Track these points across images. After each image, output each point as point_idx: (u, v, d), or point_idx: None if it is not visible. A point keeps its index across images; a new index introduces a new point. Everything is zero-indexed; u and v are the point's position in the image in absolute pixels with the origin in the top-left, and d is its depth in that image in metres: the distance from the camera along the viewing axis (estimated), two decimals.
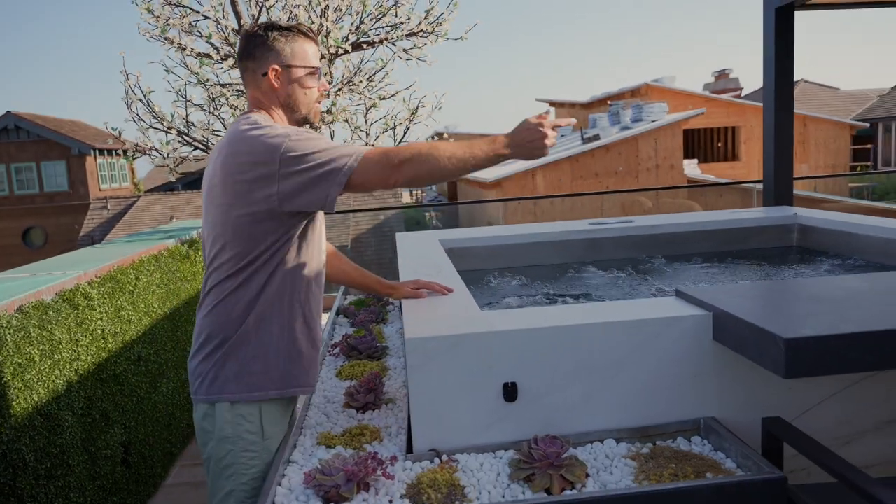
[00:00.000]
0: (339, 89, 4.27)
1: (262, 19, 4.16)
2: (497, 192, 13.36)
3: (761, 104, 4.25)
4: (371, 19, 4.25)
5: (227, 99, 4.21)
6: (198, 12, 4.10)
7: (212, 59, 4.04)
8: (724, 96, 21.54)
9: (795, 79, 4.14)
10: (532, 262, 3.56)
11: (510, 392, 1.69)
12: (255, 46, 1.74)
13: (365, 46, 4.32)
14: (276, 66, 1.73)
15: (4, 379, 2.14)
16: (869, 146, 24.22)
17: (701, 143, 20.31)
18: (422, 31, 4.33)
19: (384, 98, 4.43)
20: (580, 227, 3.66)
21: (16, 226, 19.87)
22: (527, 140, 1.67)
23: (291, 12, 4.05)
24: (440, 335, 1.69)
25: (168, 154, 4.24)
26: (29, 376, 2.28)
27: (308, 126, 1.83)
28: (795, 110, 4.18)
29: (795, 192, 4.36)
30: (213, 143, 4.35)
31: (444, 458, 1.67)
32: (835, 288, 1.85)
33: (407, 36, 4.35)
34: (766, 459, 1.48)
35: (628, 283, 3.17)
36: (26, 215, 19.94)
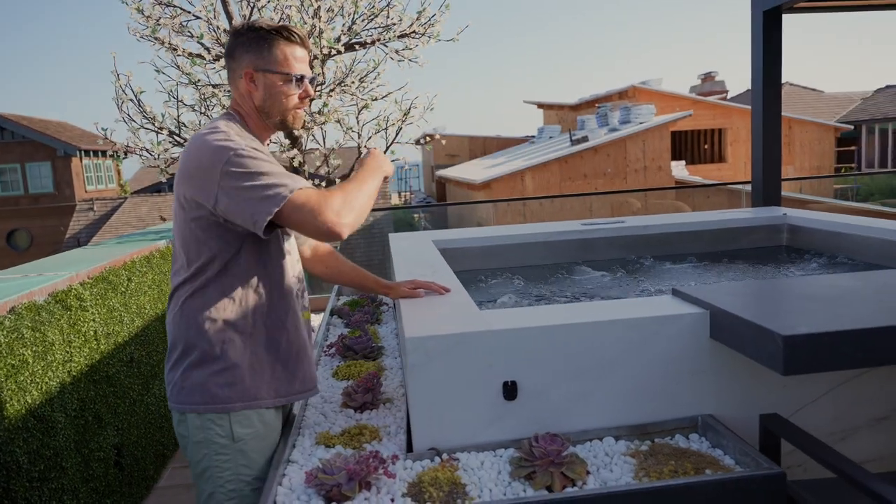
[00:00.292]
0: (332, 90, 4.26)
1: (254, 19, 4.15)
2: (486, 194, 13.39)
3: (747, 106, 4.30)
4: (363, 20, 4.25)
5: (218, 99, 4.19)
6: (189, 12, 4.09)
7: (203, 59, 4.02)
8: (711, 98, 21.72)
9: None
10: (525, 263, 3.57)
11: (510, 390, 1.70)
12: (236, 46, 1.69)
13: (357, 47, 4.32)
14: (251, 70, 1.67)
15: None
16: (853, 148, 24.52)
17: (688, 145, 20.47)
18: (414, 32, 4.34)
19: (376, 99, 4.43)
20: (573, 227, 3.68)
21: (1, 228, 19.65)
22: (386, 160, 1.85)
23: (283, 13, 4.04)
24: (440, 334, 1.69)
25: (159, 155, 4.22)
26: (22, 378, 2.26)
27: (288, 131, 1.87)
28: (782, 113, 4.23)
29: (782, 193, 4.41)
30: None
31: (445, 456, 1.68)
32: (827, 286, 1.87)
33: (399, 37, 4.36)
34: (764, 455, 1.50)
35: (622, 283, 3.19)
36: (10, 217, 19.71)
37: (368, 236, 15.46)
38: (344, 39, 4.24)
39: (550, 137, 19.47)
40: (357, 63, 4.42)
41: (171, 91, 4.17)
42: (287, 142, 4.37)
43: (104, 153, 20.49)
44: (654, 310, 1.78)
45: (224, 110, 1.91)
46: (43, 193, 19.89)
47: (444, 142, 5.09)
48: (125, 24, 4.10)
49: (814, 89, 29.65)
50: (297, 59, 1.69)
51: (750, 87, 4.23)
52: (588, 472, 1.55)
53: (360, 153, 4.45)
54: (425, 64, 4.53)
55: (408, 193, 29.71)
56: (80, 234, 17.57)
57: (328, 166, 4.53)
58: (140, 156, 4.34)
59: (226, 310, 1.67)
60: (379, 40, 4.32)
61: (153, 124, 4.15)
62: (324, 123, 4.33)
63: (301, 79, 1.70)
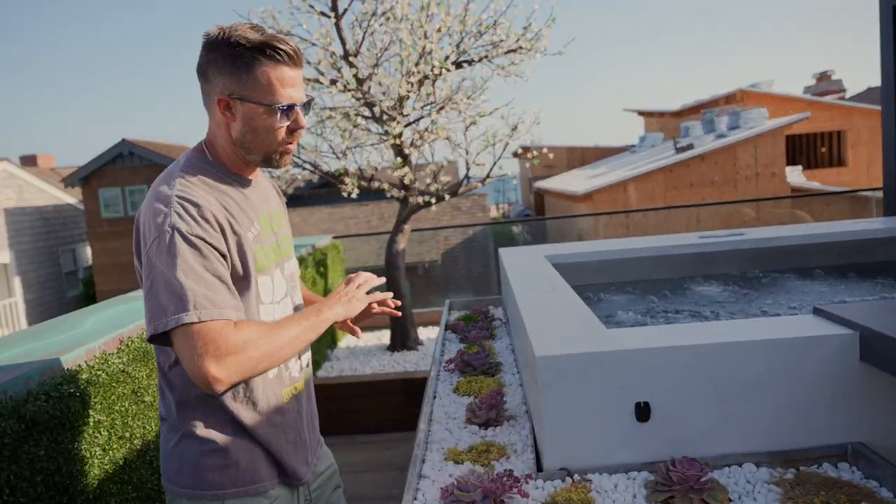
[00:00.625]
0: (441, 108, 4.35)
1: (366, 44, 4.31)
2: (588, 205, 13.17)
3: (869, 106, 4.01)
4: (471, 38, 4.32)
5: (333, 121, 4.38)
6: (306, 40, 4.30)
7: (321, 84, 4.22)
8: (827, 98, 20.41)
9: None
10: (640, 277, 3.49)
11: (643, 412, 1.67)
12: (208, 64, 1.36)
13: (464, 65, 4.39)
14: (226, 96, 1.36)
15: (150, 391, 2.30)
16: None
17: (803, 149, 19.31)
18: (520, 47, 4.36)
19: (483, 115, 4.48)
20: (690, 240, 3.56)
21: (130, 245, 21.33)
22: (339, 298, 1.54)
23: (394, 35, 4.18)
24: (571, 353, 1.69)
25: (280, 175, 4.46)
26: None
27: (271, 168, 1.51)
28: None
29: None
30: (320, 164, 4.53)
31: (577, 477, 1.67)
32: None
33: (505, 53, 4.39)
34: None
35: (745, 299, 3.06)
36: None
37: (468, 249, 15.61)
38: (452, 58, 4.33)
39: (652, 146, 18.94)
40: (464, 81, 4.49)
41: None
42: (399, 160, 4.50)
43: None
44: (798, 330, 1.69)
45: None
46: None
47: (551, 155, 5.07)
48: None
49: None
50: (286, 82, 1.36)
51: (872, 86, 3.95)
52: (730, 500, 1.49)
53: (468, 168, 4.52)
54: (531, 79, 4.55)
55: (506, 206, 29.73)
56: None
57: (437, 182, 4.61)
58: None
59: (184, 387, 1.41)
60: (486, 57, 4.37)
61: None
62: (433, 141, 4.43)
63: (290, 108, 1.38)
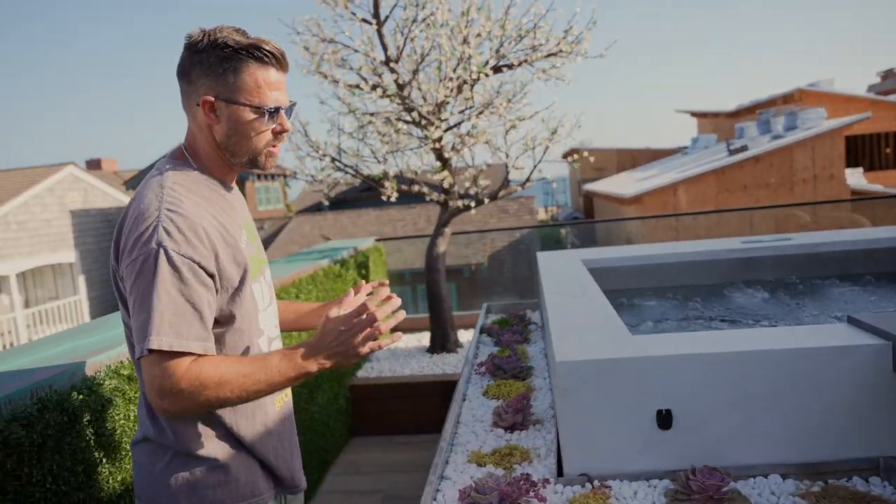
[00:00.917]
0: (480, 112, 4.37)
1: (407, 50, 4.37)
2: (636, 208, 12.96)
3: None
4: (511, 42, 4.33)
5: (374, 126, 4.45)
6: (348, 47, 4.39)
7: (361, 90, 4.29)
8: (893, 98, 19.55)
9: None
10: (680, 283, 3.43)
11: (664, 419, 1.66)
12: (192, 66, 1.33)
13: (504, 69, 4.40)
14: (211, 98, 1.33)
15: None
16: None
17: (866, 151, 18.55)
18: (561, 51, 4.34)
19: (523, 119, 4.48)
20: (732, 245, 3.49)
21: None
22: (332, 349, 1.29)
23: (434, 41, 4.22)
24: (592, 359, 1.69)
25: (322, 179, 4.56)
26: None
27: (257, 170, 1.46)
28: None
29: None
30: (361, 168, 4.60)
31: (597, 483, 1.67)
32: None
33: (545, 56, 4.38)
34: None
35: (788, 307, 2.98)
36: None
37: (515, 252, 15.56)
38: (492, 63, 4.34)
39: (705, 147, 18.51)
40: (504, 84, 4.50)
41: (332, 120, 4.49)
42: (438, 164, 4.54)
43: (273, 176, 22.32)
44: (827, 339, 1.65)
45: (178, 146, 1.42)
46: None
47: (592, 158, 5.02)
48: (295, 62, 4.49)
49: None
50: (272, 85, 1.35)
51: None
52: None
53: (507, 172, 4.52)
54: (572, 82, 4.52)
55: (554, 209, 29.50)
56: None
57: (477, 186, 4.63)
58: (306, 180, 4.70)
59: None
60: (526, 61, 4.37)
61: (317, 152, 4.49)
62: (473, 145, 4.45)
63: (276, 111, 1.37)
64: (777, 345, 1.65)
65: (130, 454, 1.60)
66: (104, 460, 1.85)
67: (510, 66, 4.42)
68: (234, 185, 1.49)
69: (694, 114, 23.00)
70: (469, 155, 4.67)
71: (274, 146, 1.41)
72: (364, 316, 1.29)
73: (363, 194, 18.93)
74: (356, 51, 4.36)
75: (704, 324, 2.78)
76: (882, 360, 1.59)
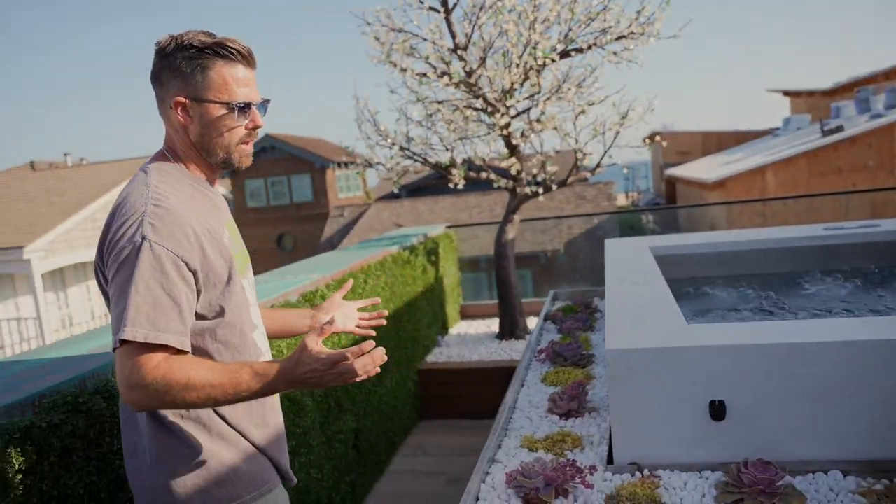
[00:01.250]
0: (548, 98, 4.33)
1: (475, 37, 4.37)
2: (720, 193, 12.44)
3: None
4: (579, 26, 4.25)
5: (441, 114, 4.48)
6: (417, 35, 4.43)
7: (429, 78, 4.33)
8: None
9: None
10: (755, 271, 3.31)
11: (717, 410, 1.62)
12: (162, 70, 1.37)
13: (573, 53, 4.33)
14: (182, 98, 1.36)
15: None
16: None
17: None
18: (632, 33, 4.23)
19: (592, 103, 4.40)
20: (813, 232, 3.32)
21: (271, 232, 22.89)
22: (305, 381, 1.26)
23: (502, 28, 4.20)
24: (642, 347, 1.67)
25: (391, 167, 4.64)
26: None
27: (233, 170, 1.47)
28: None
29: None
30: (429, 156, 4.65)
31: (646, 472, 1.65)
32: None
33: (616, 39, 4.28)
34: None
35: (871, 297, 2.82)
36: (280, 223, 22.86)
37: (593, 240, 15.30)
38: (560, 48, 4.28)
39: (798, 128, 17.51)
40: (574, 69, 4.43)
41: (402, 109, 4.56)
42: (506, 150, 4.53)
43: (353, 164, 22.85)
44: (894, 332, 1.57)
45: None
46: (304, 202, 22.75)
47: (664, 143, 4.88)
48: (365, 52, 4.59)
49: None
50: (240, 81, 1.38)
51: None
52: None
53: (576, 158, 4.46)
54: (644, 64, 4.40)
55: (635, 194, 28.74)
56: (333, 238, 19.79)
57: (545, 172, 4.60)
58: (376, 168, 4.80)
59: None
60: (595, 44, 4.28)
61: (386, 140, 4.57)
62: (541, 131, 4.41)
63: (246, 107, 1.39)
64: (840, 336, 1.58)
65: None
66: None
67: (579, 51, 4.34)
68: (215, 185, 1.50)
69: (786, 93, 21.77)
70: (538, 141, 4.63)
71: (247, 142, 1.42)
72: (342, 366, 1.25)
73: (440, 181, 19.07)
74: (424, 39, 4.40)
75: (778, 314, 2.67)
76: None
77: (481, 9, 4.23)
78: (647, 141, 4.76)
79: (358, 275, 3.66)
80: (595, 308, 3.47)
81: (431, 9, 4.34)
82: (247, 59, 1.39)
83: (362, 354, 1.26)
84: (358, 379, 1.27)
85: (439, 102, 4.43)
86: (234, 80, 1.37)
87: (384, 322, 1.60)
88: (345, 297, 2.98)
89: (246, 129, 1.41)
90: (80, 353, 2.00)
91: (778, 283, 3.08)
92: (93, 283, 14.30)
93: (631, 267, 2.86)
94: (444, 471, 3.75)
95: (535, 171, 4.63)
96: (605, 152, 4.43)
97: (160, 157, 1.43)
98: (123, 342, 1.19)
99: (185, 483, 1.34)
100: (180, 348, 1.24)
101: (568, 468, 1.57)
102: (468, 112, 4.47)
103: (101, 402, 1.69)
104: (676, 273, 3.30)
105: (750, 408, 1.60)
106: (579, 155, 4.43)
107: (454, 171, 4.53)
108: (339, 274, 3.48)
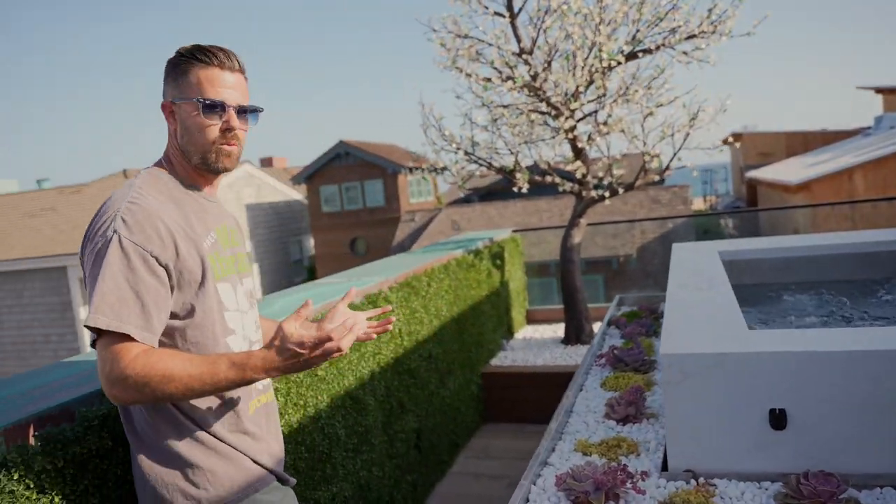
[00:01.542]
0: (615, 100, 4.27)
1: (540, 41, 4.36)
2: (804, 196, 11.87)
3: None
4: (647, 26, 4.17)
5: (506, 119, 4.50)
6: (482, 41, 4.46)
7: (493, 83, 4.36)
8: None
9: None
10: (832, 277, 3.16)
11: (778, 419, 1.57)
12: (163, 77, 1.47)
13: (640, 54, 4.26)
14: (169, 101, 1.45)
15: (323, 366, 2.61)
16: None
17: None
18: (702, 31, 4.12)
19: (661, 105, 4.30)
20: (890, 236, 3.14)
21: (345, 237, 23.43)
22: (287, 366, 1.28)
23: (567, 31, 4.18)
24: (698, 352, 1.64)
25: (457, 172, 4.69)
26: (341, 365, 2.74)
27: (215, 173, 1.48)
28: None
29: None
30: (494, 161, 4.67)
31: (701, 480, 1.62)
32: None
33: (686, 38, 4.18)
34: None
35: None
36: (353, 227, 23.37)
37: (666, 244, 14.89)
38: (627, 49, 4.22)
39: (891, 127, 16.49)
40: (643, 70, 4.35)
41: (467, 114, 4.60)
42: (571, 154, 4.50)
43: (422, 169, 23.11)
44: None
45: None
46: (376, 207, 23.18)
47: (737, 144, 4.72)
48: (432, 58, 4.65)
49: None
50: (215, 82, 1.41)
51: None
52: None
53: (644, 161, 4.38)
54: (716, 63, 4.27)
55: (713, 198, 27.75)
56: (404, 242, 20.08)
57: (611, 176, 4.53)
58: (441, 174, 4.86)
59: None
60: (664, 44, 4.20)
61: (451, 146, 4.62)
62: (607, 134, 4.36)
63: (219, 106, 1.41)
64: None
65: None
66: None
67: (648, 51, 4.26)
68: (213, 194, 1.53)
69: (879, 90, 20.54)
70: (604, 144, 4.57)
71: (223, 143, 1.43)
72: (329, 346, 1.25)
73: (511, 186, 19.03)
74: (489, 44, 4.42)
75: (853, 322, 2.54)
76: None
77: (546, 12, 4.22)
78: (724, 143, 4.62)
79: (421, 277, 3.72)
80: (660, 313, 3.40)
81: (497, 14, 4.36)
82: (223, 62, 1.42)
83: (344, 329, 1.28)
84: (341, 354, 1.28)
85: (504, 107, 4.45)
86: (207, 81, 1.40)
87: (390, 328, 1.60)
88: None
89: (221, 130, 1.42)
90: None
91: (853, 290, 2.93)
92: None
93: (695, 271, 2.79)
94: (508, 474, 3.74)
95: (600, 174, 4.57)
96: (675, 155, 4.33)
97: (157, 163, 1.50)
98: (99, 334, 1.25)
99: (164, 482, 1.37)
100: (141, 341, 1.26)
101: (619, 473, 1.55)
102: (533, 116, 4.47)
103: None
104: (746, 279, 3.19)
105: (812, 417, 1.55)
106: (647, 158, 4.35)
107: (518, 175, 4.53)
108: (403, 276, 3.54)
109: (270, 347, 1.25)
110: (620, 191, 4.41)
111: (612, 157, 4.54)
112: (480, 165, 4.66)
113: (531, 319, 5.81)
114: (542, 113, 4.45)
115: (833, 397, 1.54)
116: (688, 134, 4.25)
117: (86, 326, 1.25)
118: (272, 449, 1.53)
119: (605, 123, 4.39)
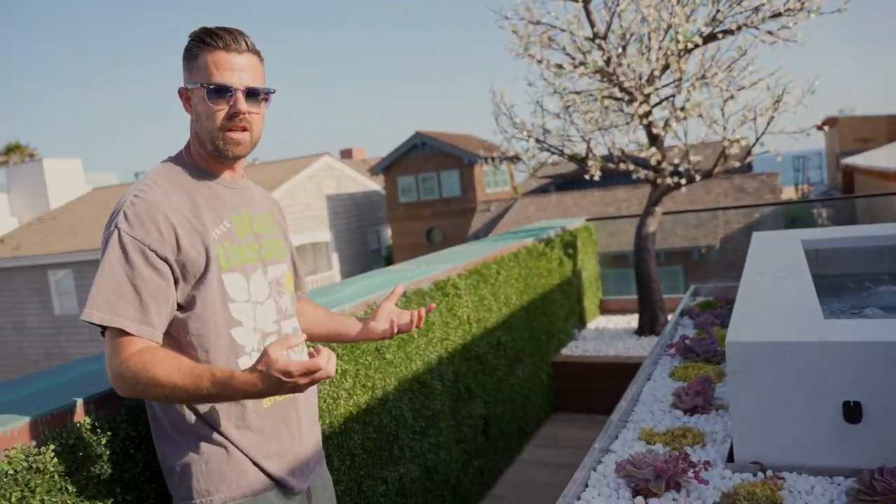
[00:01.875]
0: (692, 84, 4.13)
1: (615, 25, 4.27)
2: None
3: None
4: (728, 6, 4.01)
5: (577, 105, 4.43)
6: (554, 27, 4.41)
7: (564, 69, 4.30)
8: None
9: None
10: None
11: (852, 412, 1.50)
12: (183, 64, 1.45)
13: (720, 36, 4.09)
14: (184, 88, 1.43)
15: (391, 350, 2.67)
16: None
17: None
18: (788, 9, 3.92)
19: (742, 88, 4.13)
20: None
21: (421, 226, 23.69)
22: (269, 390, 1.22)
23: (643, 14, 4.07)
24: (766, 341, 1.58)
25: (528, 160, 4.66)
26: (409, 349, 2.80)
27: (226, 161, 1.45)
28: None
29: None
30: (566, 148, 4.62)
31: (769, 473, 1.57)
32: None
33: (771, 17, 3.99)
34: None
35: None
36: (429, 217, 23.60)
37: (752, 234, 14.27)
38: (706, 31, 4.06)
39: None
40: (724, 52, 4.18)
41: (538, 101, 4.56)
42: (646, 140, 4.39)
43: (493, 158, 23.05)
44: None
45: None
46: (453, 197, 23.30)
47: (827, 129, 4.48)
48: (504, 46, 4.64)
49: None
50: (221, 66, 1.37)
51: None
52: None
53: (724, 147, 4.22)
54: (804, 42, 4.05)
55: (805, 186, 26.30)
56: (479, 231, 20.11)
57: (688, 162, 4.39)
58: (513, 162, 4.85)
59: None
60: (746, 24, 4.02)
61: (523, 133, 4.60)
62: (684, 119, 4.22)
63: (225, 90, 1.37)
64: None
65: (342, 402, 1.65)
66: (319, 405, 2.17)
67: (729, 32, 4.10)
68: (235, 180, 1.51)
69: None
70: (681, 130, 4.44)
71: (230, 129, 1.39)
72: (317, 374, 1.20)
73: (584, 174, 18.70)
74: (562, 30, 4.37)
75: None
76: None
77: None
78: (816, 128, 4.38)
79: (491, 265, 3.73)
80: None
81: None
82: (229, 44, 1.37)
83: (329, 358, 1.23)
84: (330, 378, 1.25)
85: (577, 93, 4.39)
86: (213, 64, 1.36)
87: (421, 325, 1.65)
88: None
89: (227, 115, 1.38)
90: None
91: None
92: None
93: (774, 259, 2.68)
94: (576, 463, 3.70)
95: (676, 161, 4.44)
96: (758, 139, 4.15)
97: (176, 154, 1.49)
98: (102, 328, 1.30)
99: (167, 465, 1.43)
100: (137, 335, 1.29)
101: (680, 461, 1.53)
102: (607, 102, 4.39)
103: None
104: (831, 268, 3.04)
105: (889, 411, 1.47)
106: (726, 143, 4.19)
107: (590, 163, 4.46)
108: (472, 264, 3.56)
109: (254, 371, 1.21)
110: (697, 178, 4.27)
111: (687, 144, 4.40)
112: (552, 153, 4.62)
113: (605, 309, 5.72)
114: (616, 99, 4.36)
115: None
116: (772, 118, 4.07)
117: (81, 320, 1.30)
118: (288, 448, 1.49)
119: (682, 108, 4.25)
